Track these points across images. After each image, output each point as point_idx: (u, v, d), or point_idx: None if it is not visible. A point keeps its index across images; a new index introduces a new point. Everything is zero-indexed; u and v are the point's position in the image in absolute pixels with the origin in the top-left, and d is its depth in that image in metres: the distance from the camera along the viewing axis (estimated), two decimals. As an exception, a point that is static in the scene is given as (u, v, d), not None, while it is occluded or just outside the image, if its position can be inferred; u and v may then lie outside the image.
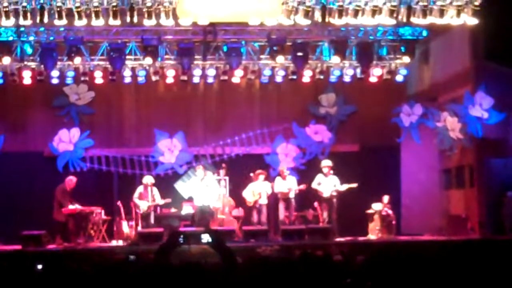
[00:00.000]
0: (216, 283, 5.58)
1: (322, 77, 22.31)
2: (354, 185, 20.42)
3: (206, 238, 6.09)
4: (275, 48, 20.95)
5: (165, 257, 6.02)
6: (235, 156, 22.78)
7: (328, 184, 20.59)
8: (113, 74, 21.50)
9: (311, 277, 6.23)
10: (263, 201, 20.62)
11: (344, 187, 20.50)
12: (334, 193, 20.52)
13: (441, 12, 19.47)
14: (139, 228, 20.19)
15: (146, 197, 20.40)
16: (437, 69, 22.35)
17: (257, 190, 20.61)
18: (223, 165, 21.60)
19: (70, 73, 21.66)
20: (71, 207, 19.81)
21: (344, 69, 22.24)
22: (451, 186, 22.32)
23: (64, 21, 18.97)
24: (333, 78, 22.41)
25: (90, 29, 20.18)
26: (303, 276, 6.13)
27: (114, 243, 20.30)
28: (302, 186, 20.65)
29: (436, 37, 21.75)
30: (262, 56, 21.98)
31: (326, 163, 20.99)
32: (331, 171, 20.68)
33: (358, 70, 22.15)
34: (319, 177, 20.73)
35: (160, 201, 20.51)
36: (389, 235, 20.67)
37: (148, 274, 5.79)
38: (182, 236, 6.20)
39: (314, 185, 20.67)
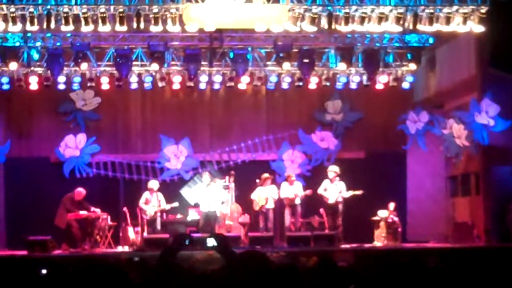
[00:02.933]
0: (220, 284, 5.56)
1: (328, 84, 22.33)
2: (359, 192, 20.34)
3: (211, 242, 6.04)
4: (281, 54, 20.96)
5: (170, 259, 5.99)
6: (241, 163, 22.80)
7: (333, 190, 20.48)
8: (120, 80, 21.55)
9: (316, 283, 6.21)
10: (270, 205, 20.54)
11: (349, 193, 20.41)
12: (340, 199, 20.47)
13: (448, 20, 19.44)
14: (145, 234, 20.19)
15: (152, 202, 20.39)
16: (443, 76, 22.34)
17: (263, 195, 20.55)
18: (231, 172, 21.53)
19: (77, 79, 21.73)
20: (81, 212, 19.89)
21: (350, 76, 22.26)
22: (457, 194, 22.27)
23: (71, 27, 19.00)
24: (339, 85, 22.44)
25: (96, 35, 20.24)
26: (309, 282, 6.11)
27: (120, 248, 20.31)
28: (308, 192, 20.57)
29: (442, 44, 21.77)
30: (268, 63, 22.03)
31: (332, 168, 20.85)
32: (337, 177, 20.60)
33: (364, 77, 22.16)
34: (325, 183, 20.67)
35: (166, 206, 20.48)
36: (394, 242, 20.63)
37: (152, 276, 5.78)
38: (187, 238, 6.15)
39: (320, 190, 20.57)
